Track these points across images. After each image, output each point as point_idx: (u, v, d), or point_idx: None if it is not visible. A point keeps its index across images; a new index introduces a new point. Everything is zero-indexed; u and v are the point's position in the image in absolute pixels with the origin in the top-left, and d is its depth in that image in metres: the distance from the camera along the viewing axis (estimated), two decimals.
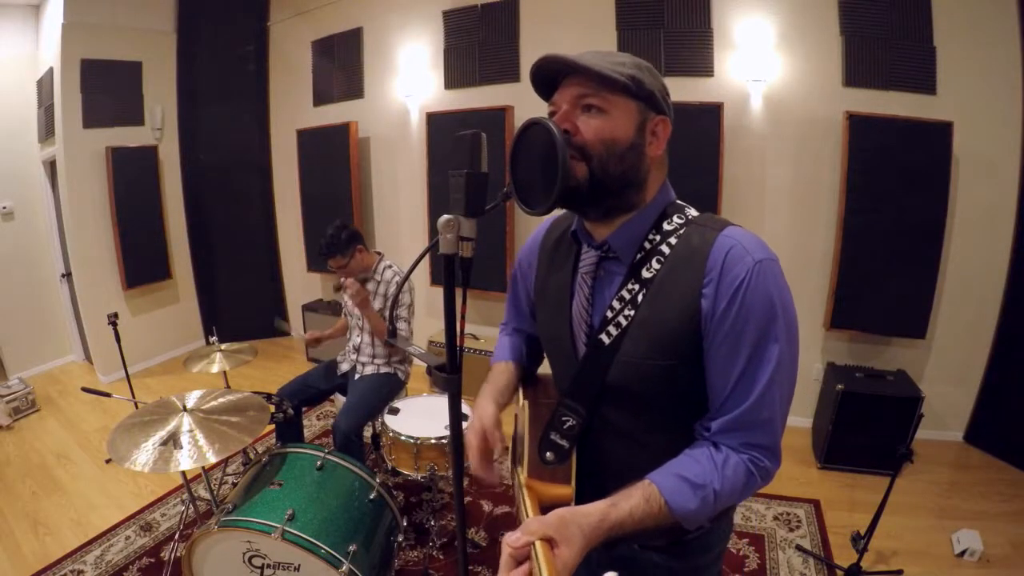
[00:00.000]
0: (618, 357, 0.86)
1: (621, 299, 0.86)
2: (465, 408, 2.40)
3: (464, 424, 0.95)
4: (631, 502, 0.77)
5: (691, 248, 0.82)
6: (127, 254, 4.35)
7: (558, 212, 1.00)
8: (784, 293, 0.80)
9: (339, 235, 2.48)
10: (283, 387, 2.63)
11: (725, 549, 1.06)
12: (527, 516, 0.83)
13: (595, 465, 0.93)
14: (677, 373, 0.83)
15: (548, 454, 0.91)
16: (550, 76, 0.85)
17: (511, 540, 0.67)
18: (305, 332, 4.65)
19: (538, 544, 0.66)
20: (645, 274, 0.85)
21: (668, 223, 0.86)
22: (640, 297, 0.84)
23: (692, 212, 0.89)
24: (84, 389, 2.45)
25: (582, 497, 0.87)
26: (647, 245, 0.86)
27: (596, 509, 0.75)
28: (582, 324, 0.93)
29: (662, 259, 0.84)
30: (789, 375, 0.81)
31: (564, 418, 0.92)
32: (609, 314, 0.87)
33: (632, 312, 0.85)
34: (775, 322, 0.78)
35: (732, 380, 0.80)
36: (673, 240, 0.84)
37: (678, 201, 0.91)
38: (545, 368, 1.15)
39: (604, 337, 0.87)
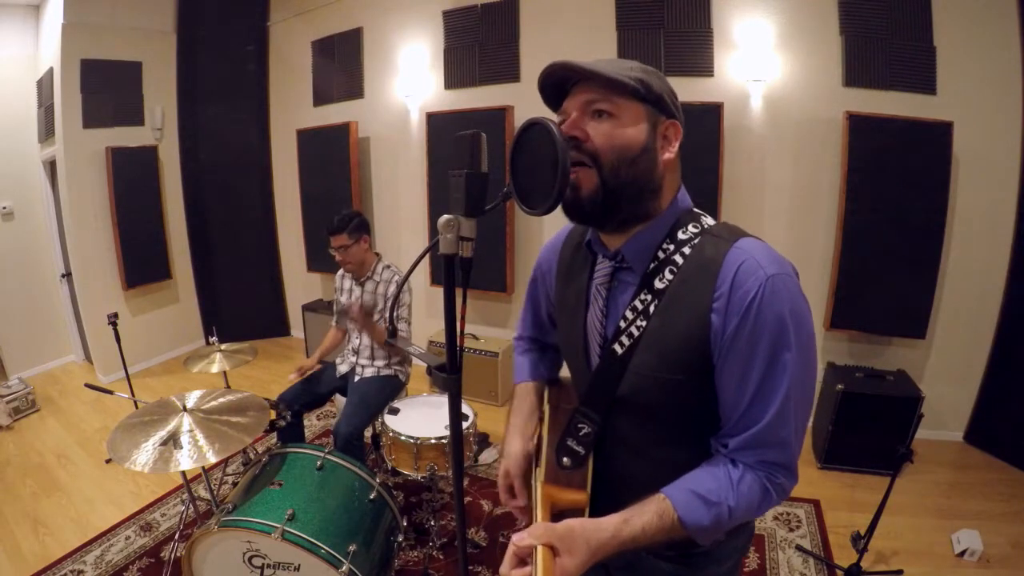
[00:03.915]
0: (630, 368, 0.85)
1: (634, 309, 0.85)
2: (465, 408, 2.40)
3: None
4: (644, 519, 0.77)
5: (703, 260, 0.80)
6: (127, 254, 4.35)
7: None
8: (799, 308, 0.76)
9: (353, 217, 2.54)
10: (283, 393, 2.62)
11: (740, 561, 1.04)
12: (538, 518, 0.84)
13: (608, 473, 0.93)
14: (686, 388, 0.82)
15: (565, 459, 0.91)
16: (558, 85, 0.84)
17: (516, 539, 0.70)
18: (304, 331, 4.67)
19: (540, 549, 0.68)
20: (658, 284, 0.83)
21: (683, 232, 0.84)
22: (652, 308, 0.83)
23: (708, 221, 0.86)
24: (87, 385, 2.46)
25: (597, 503, 0.87)
26: (660, 255, 0.84)
27: (609, 524, 0.75)
28: (596, 334, 0.93)
29: (675, 270, 0.82)
30: (805, 392, 0.79)
31: (580, 425, 0.92)
32: (622, 324, 0.86)
33: (644, 323, 0.83)
34: (788, 339, 0.75)
35: (746, 399, 0.78)
36: (687, 250, 0.83)
37: (695, 209, 0.89)
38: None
39: (617, 347, 0.86)
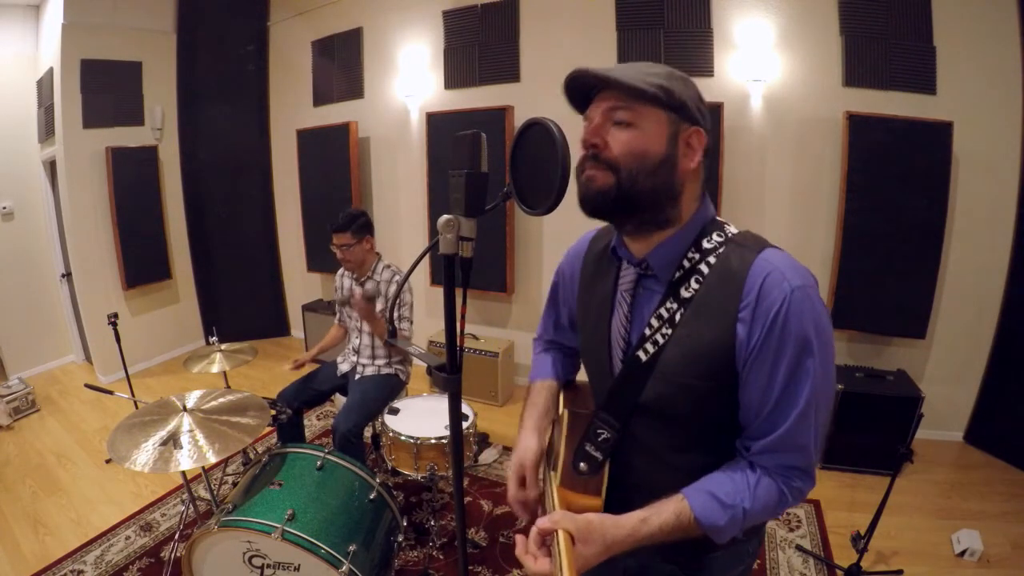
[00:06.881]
0: (654, 375, 0.86)
1: (659, 317, 0.86)
2: (465, 408, 2.40)
3: (512, 458, 0.97)
4: (662, 518, 0.79)
5: (729, 270, 0.82)
6: (127, 254, 4.35)
7: (600, 225, 1.01)
8: (821, 319, 0.79)
9: (358, 216, 2.54)
10: (283, 390, 2.63)
11: (751, 568, 1.04)
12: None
13: (622, 478, 0.94)
14: (709, 395, 0.83)
15: (582, 464, 0.92)
16: (584, 89, 0.85)
17: (540, 522, 0.76)
18: (304, 331, 4.66)
19: (561, 533, 0.73)
20: (684, 293, 0.84)
21: (708, 241, 0.85)
22: (678, 316, 0.84)
23: (732, 230, 0.88)
24: (87, 385, 2.46)
25: (608, 509, 0.88)
26: (686, 264, 0.85)
27: (627, 522, 0.78)
28: (620, 340, 0.93)
29: (701, 279, 0.84)
30: (825, 400, 0.81)
31: (599, 430, 0.92)
32: (647, 331, 0.87)
33: (670, 331, 0.85)
34: (811, 349, 0.77)
35: (769, 405, 0.80)
36: (712, 259, 0.84)
37: (718, 218, 0.90)
38: (583, 375, 1.15)
39: (641, 354, 0.87)
